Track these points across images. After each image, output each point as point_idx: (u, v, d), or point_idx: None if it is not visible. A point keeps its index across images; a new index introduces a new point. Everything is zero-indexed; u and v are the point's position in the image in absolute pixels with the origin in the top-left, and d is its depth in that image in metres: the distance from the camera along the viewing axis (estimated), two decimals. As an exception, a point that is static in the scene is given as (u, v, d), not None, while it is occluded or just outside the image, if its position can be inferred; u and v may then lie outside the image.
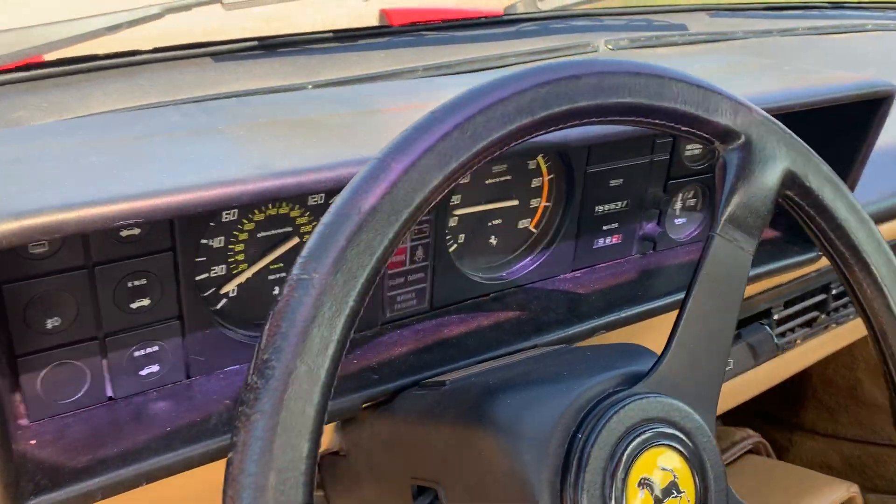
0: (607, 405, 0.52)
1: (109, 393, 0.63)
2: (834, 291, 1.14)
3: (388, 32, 1.02)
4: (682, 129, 0.55)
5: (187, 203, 0.48)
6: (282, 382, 0.37)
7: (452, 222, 0.79)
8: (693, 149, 0.93)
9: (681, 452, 0.53)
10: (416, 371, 0.70)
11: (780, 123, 0.59)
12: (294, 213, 0.69)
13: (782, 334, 1.14)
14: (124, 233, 0.58)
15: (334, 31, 0.97)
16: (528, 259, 0.86)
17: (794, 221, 1.01)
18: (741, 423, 1.99)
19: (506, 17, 1.12)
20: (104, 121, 0.65)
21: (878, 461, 1.80)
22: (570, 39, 1.13)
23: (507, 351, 0.74)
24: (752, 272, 0.94)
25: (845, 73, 0.89)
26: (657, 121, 0.54)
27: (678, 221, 0.96)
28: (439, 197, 0.45)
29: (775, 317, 1.09)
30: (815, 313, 1.16)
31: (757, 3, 1.41)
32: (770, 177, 0.57)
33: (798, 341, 1.17)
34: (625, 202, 0.89)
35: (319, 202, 0.70)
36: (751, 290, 1.02)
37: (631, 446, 0.51)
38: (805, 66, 0.95)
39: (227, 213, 0.65)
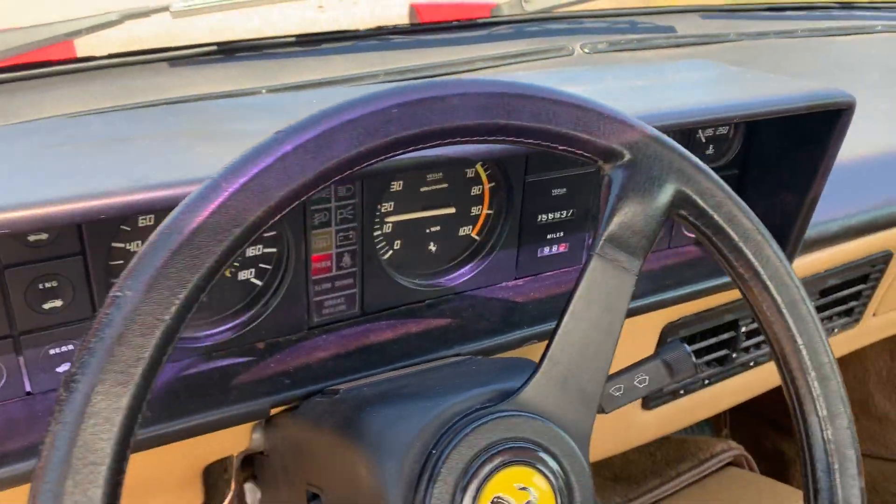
0: (466, 422, 0.52)
1: (28, 388, 0.67)
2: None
3: (353, 37, 1.03)
4: (561, 148, 0.55)
5: (53, 215, 0.50)
6: (83, 396, 0.39)
7: (386, 229, 0.80)
8: (647, 158, 0.91)
9: (543, 473, 0.53)
10: (331, 377, 0.71)
11: (672, 142, 0.57)
12: (214, 219, 0.71)
13: (757, 346, 1.12)
14: (32, 237, 0.61)
15: (297, 36, 0.99)
16: (468, 266, 0.86)
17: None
18: (751, 433, 1.95)
19: (479, 21, 1.11)
20: (29, 129, 0.68)
21: (890, 478, 1.74)
22: (544, 43, 1.12)
23: (427, 359, 0.75)
24: (708, 284, 0.93)
25: (802, 83, 0.86)
26: (532, 140, 0.54)
27: (634, 231, 0.95)
28: (279, 215, 0.46)
29: (743, 329, 1.06)
30: (792, 326, 1.13)
31: (758, 4, 1.37)
32: (657, 197, 0.56)
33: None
34: (570, 211, 0.88)
35: (240, 209, 0.71)
36: (714, 300, 1.00)
37: (486, 464, 0.51)
38: (768, 74, 0.92)
39: (143, 218, 0.67)
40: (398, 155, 0.50)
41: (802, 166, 0.90)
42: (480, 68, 1.06)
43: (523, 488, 0.52)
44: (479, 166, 0.83)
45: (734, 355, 1.07)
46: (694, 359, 0.71)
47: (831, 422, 0.60)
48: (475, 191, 0.84)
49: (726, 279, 0.93)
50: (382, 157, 0.49)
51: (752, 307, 0.61)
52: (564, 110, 0.54)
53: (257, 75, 0.94)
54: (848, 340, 1.22)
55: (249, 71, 0.94)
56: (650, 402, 1.02)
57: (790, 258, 0.95)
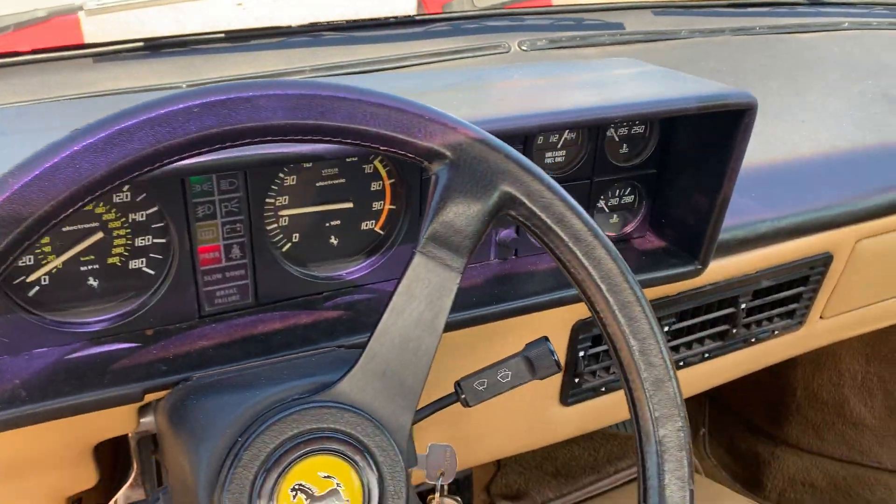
0: (276, 411, 0.55)
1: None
2: (744, 306, 1.10)
3: (284, 33, 1.05)
4: (382, 149, 0.56)
5: None
6: None
7: (283, 222, 0.83)
8: (554, 155, 0.92)
9: (350, 462, 0.54)
10: (209, 365, 0.73)
11: (500, 144, 0.58)
12: (99, 210, 0.74)
13: (688, 345, 1.11)
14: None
15: (226, 32, 1.01)
16: (370, 260, 0.88)
17: (681, 234, 0.99)
18: (727, 433, 1.93)
19: (417, 18, 1.13)
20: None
21: (865, 484, 1.71)
22: (481, 40, 1.12)
23: (308, 350, 0.77)
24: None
25: (710, 83, 0.86)
26: (351, 141, 0.55)
27: (546, 228, 0.95)
28: (72, 210, 0.48)
29: (665, 328, 1.06)
30: (724, 327, 1.12)
31: (719, 1, 1.35)
32: (481, 197, 0.57)
33: (706, 354, 1.13)
34: (472, 208, 0.89)
35: (126, 199, 0.74)
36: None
37: (291, 452, 0.53)
38: (681, 74, 0.91)
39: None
40: (203, 153, 0.52)
41: (712, 167, 0.89)
42: (412, 65, 1.07)
43: (328, 476, 0.54)
44: (377, 162, 0.85)
45: (658, 354, 1.06)
46: (556, 357, 0.72)
47: (664, 424, 0.60)
48: (375, 186, 0.86)
49: (644, 277, 0.94)
50: (184, 155, 0.51)
51: (590, 308, 0.62)
52: (382, 112, 0.55)
53: (182, 71, 0.97)
54: (793, 343, 1.20)
55: (175, 67, 0.97)
56: (568, 398, 1.03)
57: (706, 259, 0.95)
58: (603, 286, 0.60)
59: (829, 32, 1.34)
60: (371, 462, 0.55)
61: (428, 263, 0.57)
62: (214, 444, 0.54)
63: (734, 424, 1.89)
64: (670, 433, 0.60)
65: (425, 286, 0.57)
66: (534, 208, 0.59)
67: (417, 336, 0.57)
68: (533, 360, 0.71)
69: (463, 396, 0.73)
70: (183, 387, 0.66)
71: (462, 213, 0.57)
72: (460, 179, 0.57)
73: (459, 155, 0.57)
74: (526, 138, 0.88)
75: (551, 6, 1.23)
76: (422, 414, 0.74)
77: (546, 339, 0.72)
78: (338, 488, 0.54)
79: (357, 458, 0.55)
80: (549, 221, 0.59)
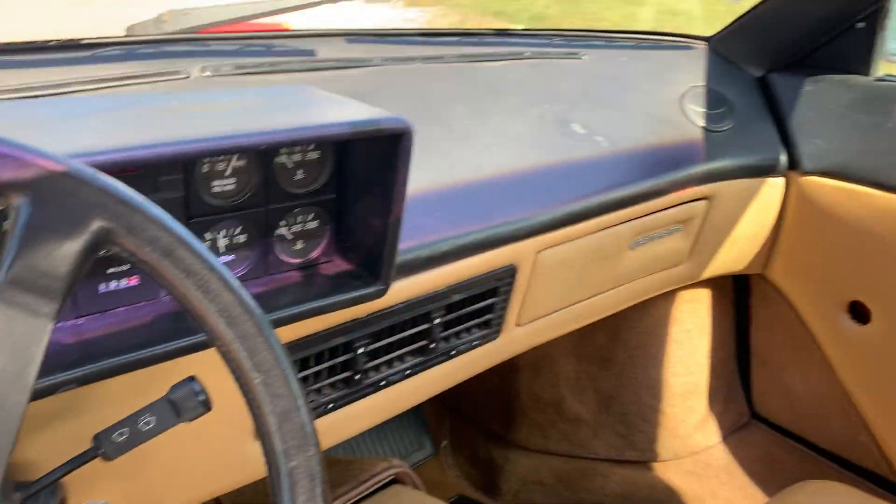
0: None
1: None
2: (438, 321, 1.14)
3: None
4: None
5: None
6: None
7: None
8: (223, 184, 0.89)
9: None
10: None
11: (94, 176, 0.54)
12: None
13: (389, 363, 1.13)
14: None
15: None
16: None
17: (364, 256, 1.00)
18: (469, 442, 2.01)
19: (84, 41, 1.05)
20: None
21: (584, 475, 1.85)
22: (158, 66, 1.07)
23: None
24: (302, 308, 0.92)
25: (371, 109, 0.88)
26: None
27: (224, 259, 0.92)
28: None
29: (359, 351, 1.07)
30: (423, 342, 1.15)
31: (411, 31, 1.41)
32: (72, 235, 0.53)
33: (408, 371, 1.16)
34: (130, 243, 0.84)
35: None
36: (320, 322, 1.00)
37: None
38: (349, 100, 0.93)
39: None
40: None
41: (382, 190, 0.92)
42: (73, 91, 0.99)
43: None
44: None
45: (357, 377, 1.07)
46: (203, 396, 0.69)
47: (293, 456, 0.59)
48: (11, 225, 0.78)
49: (326, 301, 0.93)
50: None
51: (212, 344, 0.59)
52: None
53: None
54: (494, 352, 1.27)
55: None
56: (264, 432, 1.00)
57: (387, 279, 0.97)
58: (221, 320, 0.58)
59: (513, 61, 1.45)
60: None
61: (9, 311, 0.52)
62: None
63: (474, 434, 1.97)
64: (300, 464, 0.59)
65: (7, 337, 0.51)
66: (137, 243, 0.55)
67: (1, 393, 0.51)
68: (177, 403, 0.67)
69: (102, 451, 0.67)
70: None
71: (49, 254, 0.52)
72: (45, 216, 0.52)
73: (41, 189, 0.52)
74: (187, 166, 0.85)
75: (241, 32, 1.21)
76: (56, 474, 0.68)
77: (192, 378, 0.69)
78: None
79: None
80: (156, 256, 0.56)
